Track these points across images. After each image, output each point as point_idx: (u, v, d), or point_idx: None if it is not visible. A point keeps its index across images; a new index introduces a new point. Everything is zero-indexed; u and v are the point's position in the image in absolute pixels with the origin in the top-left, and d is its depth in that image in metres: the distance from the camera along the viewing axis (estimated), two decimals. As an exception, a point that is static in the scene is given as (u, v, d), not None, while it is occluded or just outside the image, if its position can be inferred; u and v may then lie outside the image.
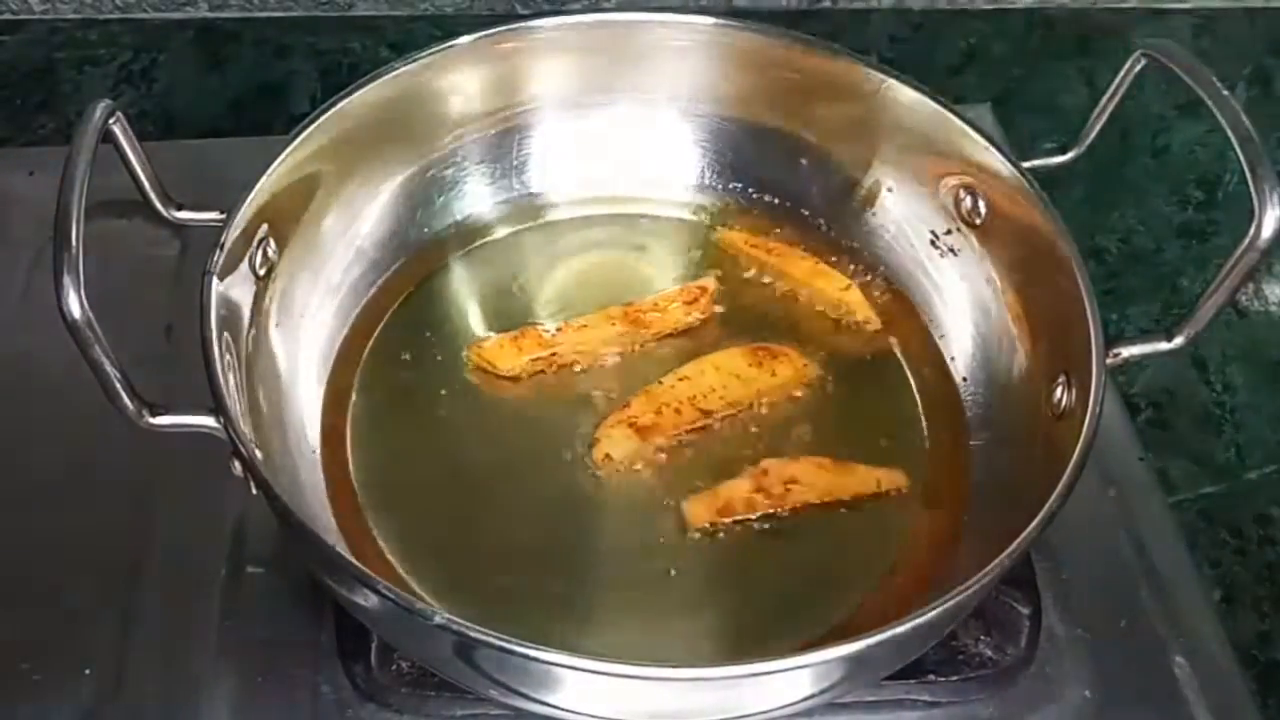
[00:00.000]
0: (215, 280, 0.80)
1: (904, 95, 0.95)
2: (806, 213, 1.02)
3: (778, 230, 1.02)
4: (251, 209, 0.85)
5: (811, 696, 0.74)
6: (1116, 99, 0.92)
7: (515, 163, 1.03)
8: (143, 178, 0.91)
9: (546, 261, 0.99)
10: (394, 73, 0.93)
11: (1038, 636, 0.85)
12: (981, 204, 0.93)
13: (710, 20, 1.00)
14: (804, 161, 1.02)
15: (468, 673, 0.74)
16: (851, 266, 1.00)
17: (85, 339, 0.70)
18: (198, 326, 0.78)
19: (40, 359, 0.89)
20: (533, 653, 0.67)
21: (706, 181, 1.04)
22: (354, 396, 0.91)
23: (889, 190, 0.99)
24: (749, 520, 0.86)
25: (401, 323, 0.95)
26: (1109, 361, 0.81)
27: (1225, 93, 0.81)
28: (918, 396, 0.93)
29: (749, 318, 0.97)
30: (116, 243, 0.93)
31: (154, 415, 0.75)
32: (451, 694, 0.80)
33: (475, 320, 0.96)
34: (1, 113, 1.18)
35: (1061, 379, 0.84)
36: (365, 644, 0.81)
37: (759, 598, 0.83)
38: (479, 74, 0.98)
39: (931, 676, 0.82)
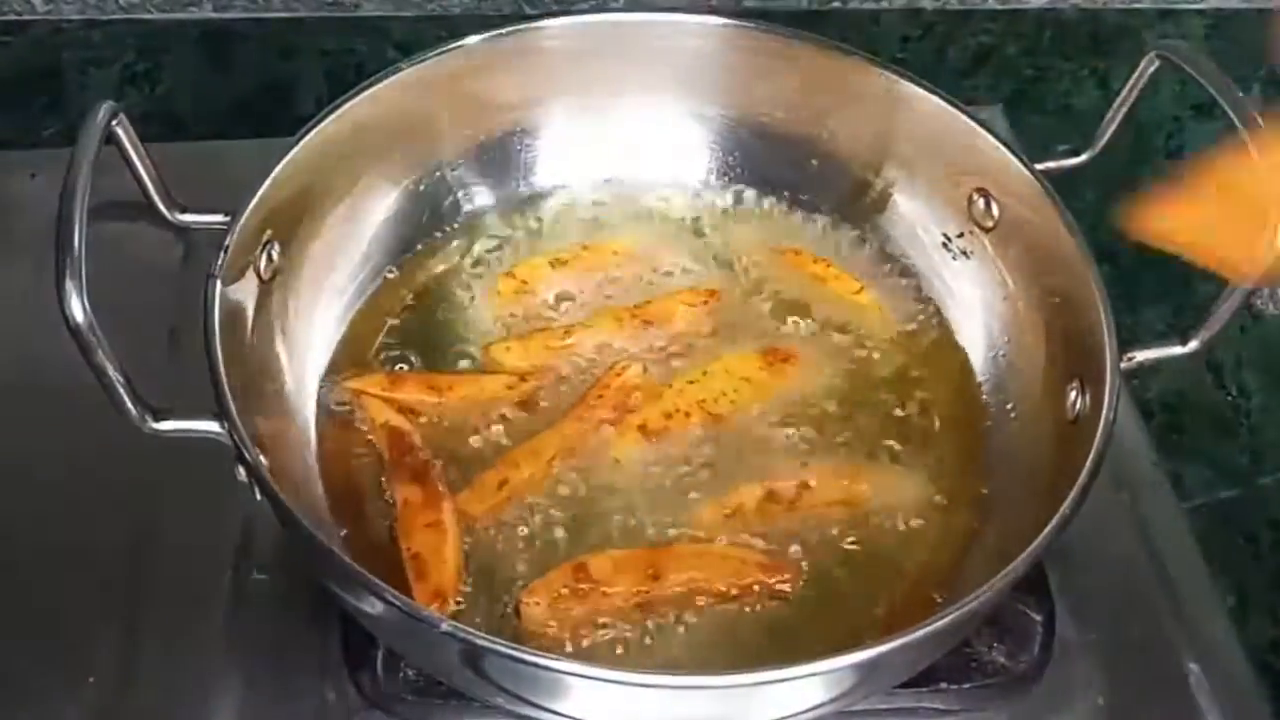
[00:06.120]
0: (219, 284, 0.80)
1: (915, 96, 0.95)
2: (817, 214, 1.02)
3: (789, 232, 1.02)
4: (256, 212, 0.84)
5: (823, 704, 0.74)
6: (1130, 100, 0.91)
7: (522, 164, 1.02)
8: (146, 180, 0.91)
9: (554, 263, 0.99)
10: (400, 74, 0.93)
11: (1051, 643, 0.84)
12: (994, 206, 0.93)
13: (719, 21, 1.00)
14: (815, 163, 1.01)
15: (474, 680, 0.73)
16: (863, 269, 0.99)
17: (88, 343, 0.70)
18: (201, 330, 0.78)
19: (43, 363, 0.88)
20: (539, 660, 0.67)
21: (716, 183, 1.04)
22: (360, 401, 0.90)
23: (901, 192, 0.99)
24: (759, 526, 0.85)
25: (407, 326, 0.95)
26: (1123, 365, 0.81)
27: (1239, 93, 0.81)
28: (931, 400, 0.92)
29: (759, 320, 0.96)
30: (120, 246, 0.93)
31: (157, 420, 0.74)
32: (458, 702, 0.79)
33: (482, 322, 0.96)
34: (5, 114, 1.18)
35: (1075, 383, 0.84)
36: (371, 651, 0.81)
37: (769, 604, 0.82)
38: (486, 75, 0.98)
39: (944, 684, 0.82)
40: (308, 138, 0.88)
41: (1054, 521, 0.73)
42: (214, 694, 0.82)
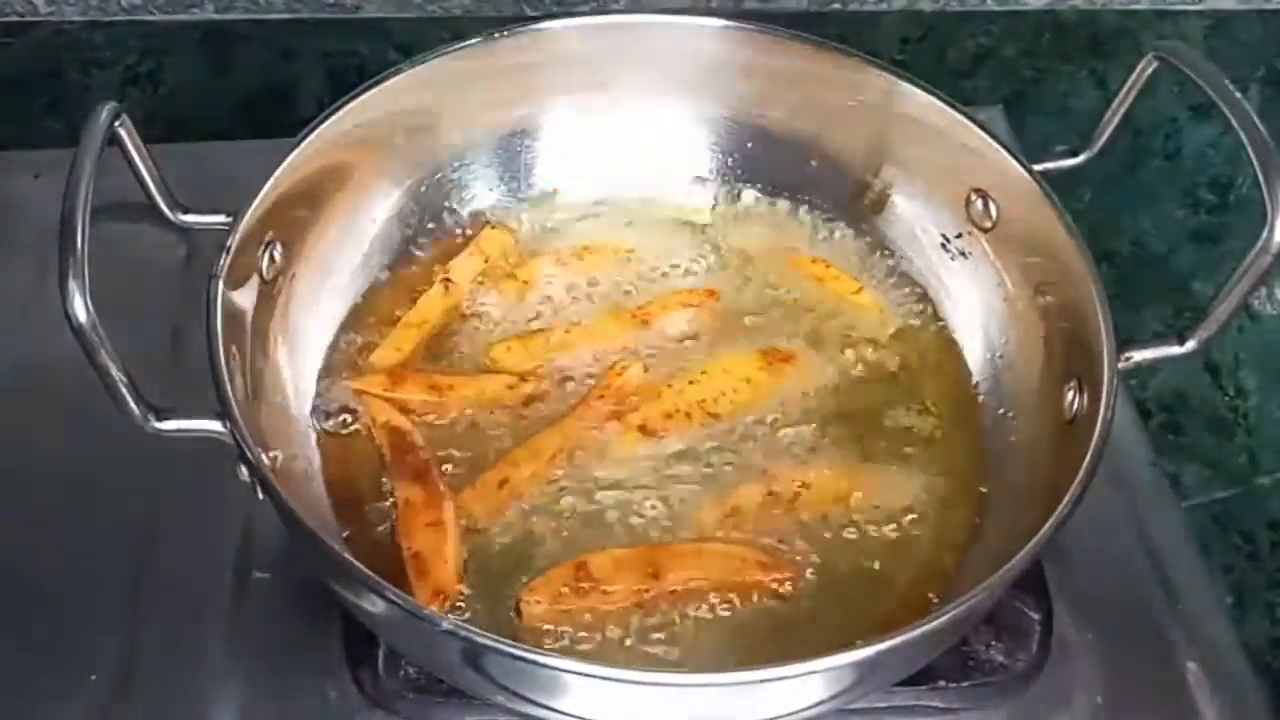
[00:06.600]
0: (221, 284, 0.80)
1: (915, 97, 0.95)
2: (816, 215, 1.02)
3: (788, 232, 1.02)
4: (258, 213, 0.84)
5: (822, 702, 0.74)
6: (1128, 101, 0.91)
7: (524, 164, 1.02)
8: (149, 181, 0.91)
9: (555, 263, 0.99)
10: (401, 75, 0.93)
11: (1049, 642, 0.85)
12: (993, 207, 0.93)
13: (719, 22, 1.00)
14: (814, 163, 1.01)
15: (474, 679, 0.73)
16: (862, 269, 0.99)
17: (91, 343, 0.70)
18: (203, 330, 0.78)
19: (46, 363, 0.89)
20: (539, 658, 0.67)
21: (715, 183, 1.04)
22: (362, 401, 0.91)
23: (899, 193, 0.99)
24: (759, 525, 0.85)
25: (409, 326, 0.95)
26: (1120, 365, 0.81)
27: (1237, 94, 0.81)
28: (929, 400, 0.92)
29: (759, 321, 0.97)
30: (122, 246, 0.92)
31: (160, 420, 0.74)
32: (458, 700, 0.79)
33: (484, 323, 0.96)
34: (7, 115, 1.18)
35: (1073, 383, 0.84)
36: (372, 650, 0.81)
37: (769, 603, 0.82)
38: (487, 76, 0.98)
39: (942, 683, 0.82)
40: (309, 139, 0.89)
41: (1051, 521, 0.73)
42: (215, 693, 0.82)
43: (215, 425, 0.75)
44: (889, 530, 0.86)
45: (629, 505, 0.86)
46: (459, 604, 0.80)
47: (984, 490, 0.88)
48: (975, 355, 0.94)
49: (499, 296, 0.97)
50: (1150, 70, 0.89)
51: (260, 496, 0.75)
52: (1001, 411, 0.91)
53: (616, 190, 1.03)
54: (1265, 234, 0.77)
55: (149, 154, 0.90)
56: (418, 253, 0.99)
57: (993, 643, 0.83)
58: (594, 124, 1.02)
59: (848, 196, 1.01)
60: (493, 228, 1.00)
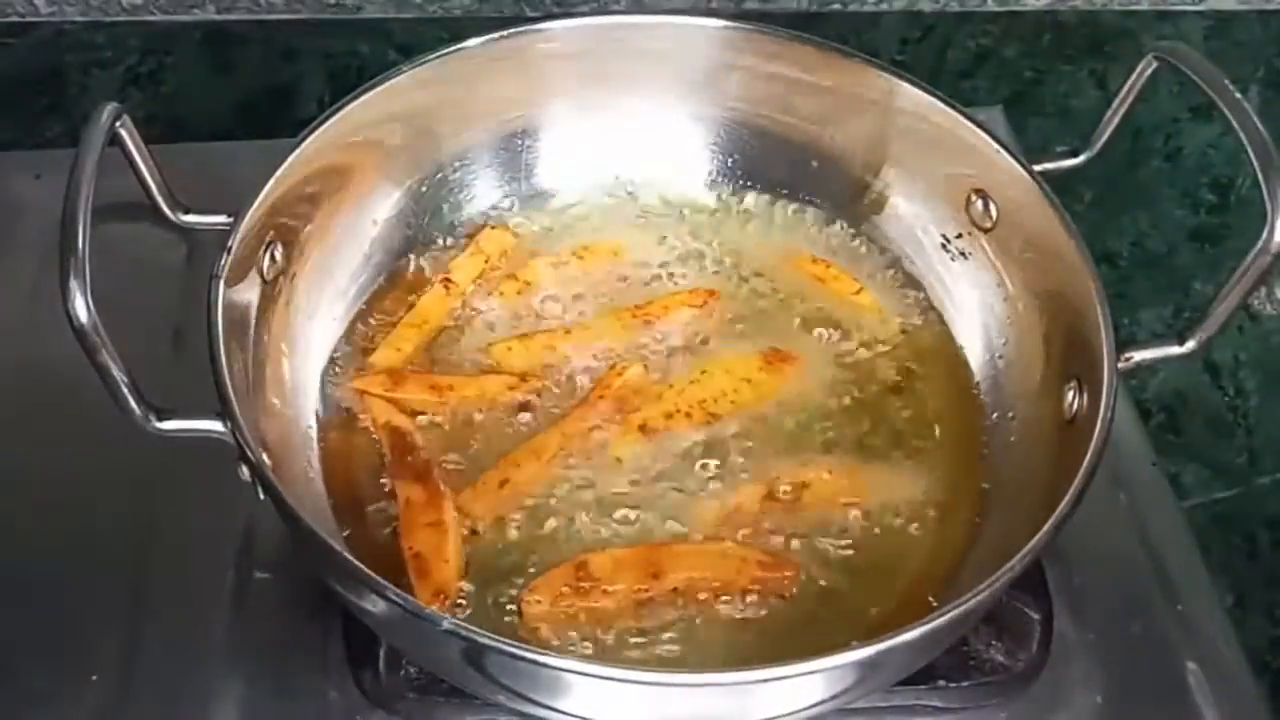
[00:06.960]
0: (222, 284, 0.80)
1: (914, 98, 0.95)
2: (816, 215, 1.02)
3: (788, 232, 1.02)
4: (259, 213, 0.84)
5: (822, 702, 0.74)
6: (1129, 102, 0.91)
7: (524, 165, 1.02)
8: (150, 181, 0.91)
9: (555, 263, 0.99)
10: (402, 76, 0.93)
11: (1049, 642, 0.85)
12: (993, 207, 0.93)
13: (720, 23, 1.00)
14: (814, 164, 1.01)
15: (476, 679, 0.73)
16: (862, 270, 0.99)
17: (92, 343, 0.70)
18: (204, 330, 0.78)
19: (47, 363, 0.89)
20: (540, 658, 0.67)
21: (716, 184, 1.04)
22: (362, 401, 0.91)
23: (899, 193, 0.99)
24: (759, 525, 0.85)
25: (409, 326, 0.95)
26: (1120, 365, 0.81)
27: (1237, 95, 0.81)
28: (930, 401, 0.92)
29: (759, 321, 0.97)
30: (123, 246, 0.92)
31: (161, 420, 0.74)
32: (459, 700, 0.79)
33: (484, 323, 0.96)
34: (8, 116, 1.18)
35: (1073, 383, 0.84)
36: (373, 650, 0.81)
37: (770, 603, 0.82)
38: (487, 77, 0.98)
39: (942, 682, 0.82)
40: (310, 139, 0.89)
41: (1051, 521, 0.73)
42: (216, 693, 0.82)
43: (215, 425, 0.75)
44: (889, 530, 0.86)
45: (629, 505, 0.86)
46: (460, 604, 0.80)
47: (984, 490, 0.88)
48: (975, 355, 0.94)
49: (499, 296, 0.97)
50: (1150, 70, 0.89)
51: (261, 496, 0.75)
52: (1001, 412, 0.91)
53: (616, 191, 1.03)
54: (1265, 234, 0.77)
55: (150, 154, 0.90)
56: (418, 253, 0.99)
57: (993, 643, 0.83)
58: (594, 124, 1.02)
59: (848, 197, 1.01)
60: (493, 228, 1.00)
